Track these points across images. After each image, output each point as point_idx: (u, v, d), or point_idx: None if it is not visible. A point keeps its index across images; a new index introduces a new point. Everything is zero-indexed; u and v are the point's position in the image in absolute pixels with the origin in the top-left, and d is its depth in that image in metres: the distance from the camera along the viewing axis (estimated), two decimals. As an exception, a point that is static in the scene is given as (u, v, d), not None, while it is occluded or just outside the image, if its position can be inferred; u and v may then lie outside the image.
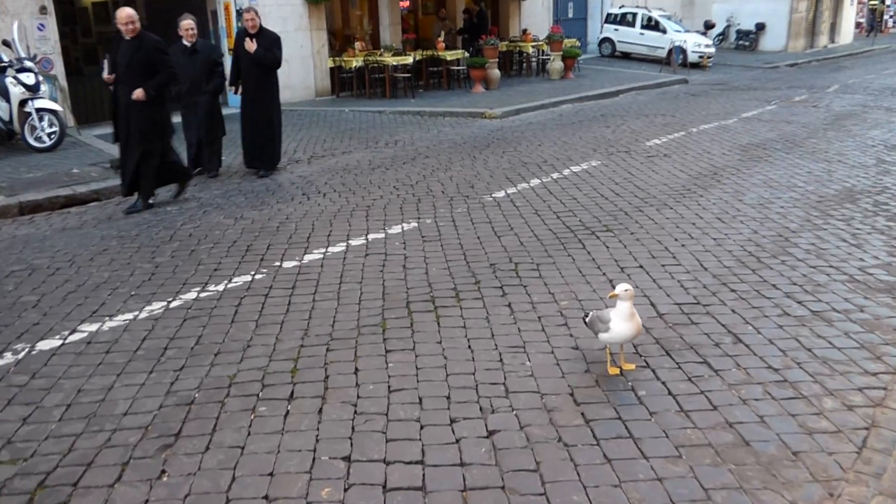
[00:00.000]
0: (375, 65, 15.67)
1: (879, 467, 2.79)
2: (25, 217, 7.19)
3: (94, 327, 4.37)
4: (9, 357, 4.03)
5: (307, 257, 5.52)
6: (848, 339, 3.90)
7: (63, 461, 3.02)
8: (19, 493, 2.84)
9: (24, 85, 9.64)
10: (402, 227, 6.18)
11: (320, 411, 3.32)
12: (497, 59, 16.68)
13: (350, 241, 5.85)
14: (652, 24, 22.21)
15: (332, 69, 16.32)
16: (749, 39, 26.84)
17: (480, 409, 3.31)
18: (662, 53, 21.06)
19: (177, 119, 8.04)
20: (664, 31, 21.68)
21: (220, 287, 4.96)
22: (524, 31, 19.79)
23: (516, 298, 4.57)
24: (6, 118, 9.95)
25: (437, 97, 15.63)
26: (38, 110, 9.74)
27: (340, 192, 7.51)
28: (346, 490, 2.77)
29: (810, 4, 27.56)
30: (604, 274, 4.95)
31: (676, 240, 5.61)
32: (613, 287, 4.50)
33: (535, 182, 7.64)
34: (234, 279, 5.10)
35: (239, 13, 11.37)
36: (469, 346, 3.93)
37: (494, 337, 4.04)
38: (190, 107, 8.42)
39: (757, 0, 26.48)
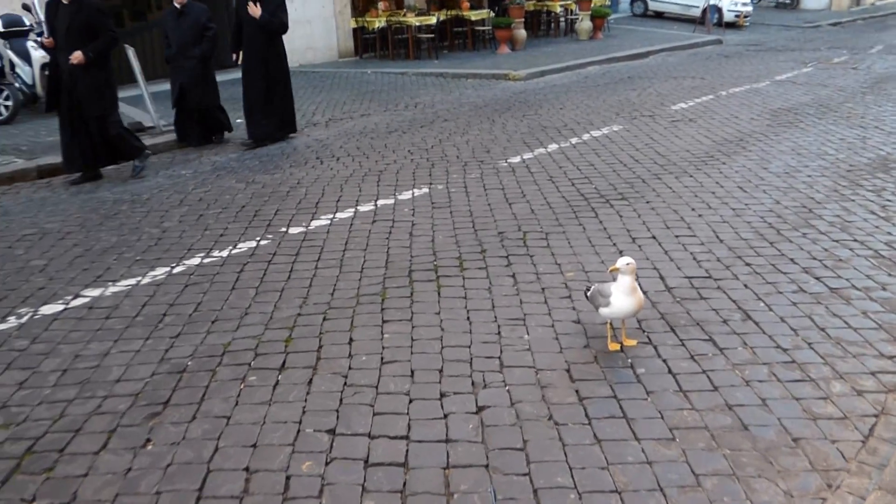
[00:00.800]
0: (399, 25, 15.40)
1: (884, 458, 2.65)
2: (44, 181, 7.23)
3: (97, 292, 4.38)
4: (12, 321, 4.05)
5: (314, 223, 5.45)
6: (865, 318, 3.72)
7: (53, 427, 3.03)
8: (8, 457, 2.85)
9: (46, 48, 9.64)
10: (413, 193, 6.07)
11: (310, 382, 3.28)
12: (523, 19, 16.30)
13: (359, 207, 5.77)
14: (687, -18, 21.45)
15: (354, 30, 16.10)
16: (790, -3, 25.85)
17: (472, 383, 3.24)
18: (697, 12, 20.32)
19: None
20: (699, -11, 20.93)
21: (224, 253, 4.93)
22: (553, -10, 19.28)
23: (521, 269, 4.46)
24: (29, 82, 10.00)
25: (460, 58, 15.35)
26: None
27: (354, 157, 7.41)
28: (327, 464, 2.73)
29: (857, -40, 26.39)
30: (614, 245, 4.80)
31: (693, 209, 5.42)
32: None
33: (552, 147, 7.45)
34: (239, 245, 5.07)
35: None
36: (468, 318, 3.84)
37: (495, 308, 3.95)
38: (177, 71, 8.10)
39: (800, -44, 25.40)
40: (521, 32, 16.06)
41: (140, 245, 5.14)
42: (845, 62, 13.03)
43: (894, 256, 4.48)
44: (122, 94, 11.99)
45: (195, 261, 4.81)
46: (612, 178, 6.31)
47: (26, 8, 10.05)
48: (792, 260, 4.46)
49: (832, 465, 2.65)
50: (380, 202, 5.88)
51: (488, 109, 9.69)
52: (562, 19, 19.35)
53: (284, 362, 3.47)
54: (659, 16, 22.31)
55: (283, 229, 5.34)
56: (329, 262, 4.68)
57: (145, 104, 8.90)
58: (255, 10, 7.78)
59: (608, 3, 19.13)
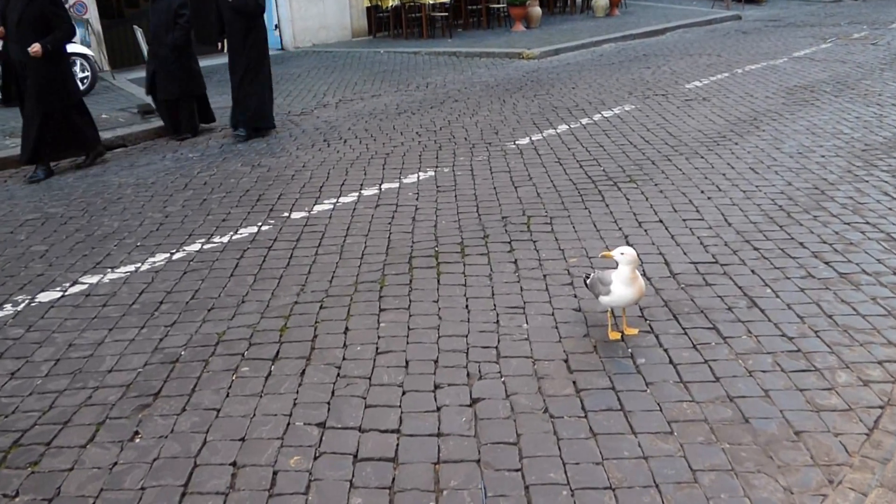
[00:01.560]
0: (413, 3, 15.20)
1: (888, 452, 2.55)
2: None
3: (95, 279, 4.36)
4: (8, 309, 4.04)
5: (317, 208, 5.39)
6: (875, 304, 3.60)
7: (41, 419, 3.01)
8: (-6, 450, 2.84)
9: None
10: (418, 177, 5.98)
11: (303, 373, 3.23)
12: (538, -4, 16.00)
13: (363, 191, 5.69)
14: (707, -44, 20.92)
15: (368, 9, 15.91)
16: (813, -30, 25.14)
17: (468, 374, 3.17)
18: (716, -13, 19.85)
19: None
20: (720, -37, 20.41)
21: (225, 239, 4.88)
22: (569, -34, 18.92)
23: (523, 254, 4.37)
24: None
25: (474, 37, 15.13)
26: (71, 55, 9.70)
27: (362, 139, 7.32)
28: (315, 458, 2.68)
29: (883, -69, 25.55)
30: (620, 229, 4.69)
31: (703, 192, 5.28)
32: (627, 244, 4.28)
33: (562, 128, 7.31)
34: (241, 230, 5.02)
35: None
36: (466, 306, 3.77)
37: (494, 296, 3.87)
38: (153, 57, 7.75)
39: (824, -73, 24.66)
40: (537, 10, 15.79)
41: (142, 230, 5.12)
42: (865, 38, 12.66)
43: (909, 240, 4.33)
44: (131, 74, 12.06)
45: (195, 247, 4.77)
46: (621, 159, 6.17)
47: None
48: (801, 244, 4.33)
49: (834, 460, 2.56)
50: (384, 186, 5.80)
51: (500, 89, 9.53)
52: (578, -4, 19.01)
53: (278, 352, 3.42)
54: (677, -10, 21.80)
55: (286, 214, 5.28)
56: (329, 249, 4.62)
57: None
58: None
59: (625, -22, 18.73)
